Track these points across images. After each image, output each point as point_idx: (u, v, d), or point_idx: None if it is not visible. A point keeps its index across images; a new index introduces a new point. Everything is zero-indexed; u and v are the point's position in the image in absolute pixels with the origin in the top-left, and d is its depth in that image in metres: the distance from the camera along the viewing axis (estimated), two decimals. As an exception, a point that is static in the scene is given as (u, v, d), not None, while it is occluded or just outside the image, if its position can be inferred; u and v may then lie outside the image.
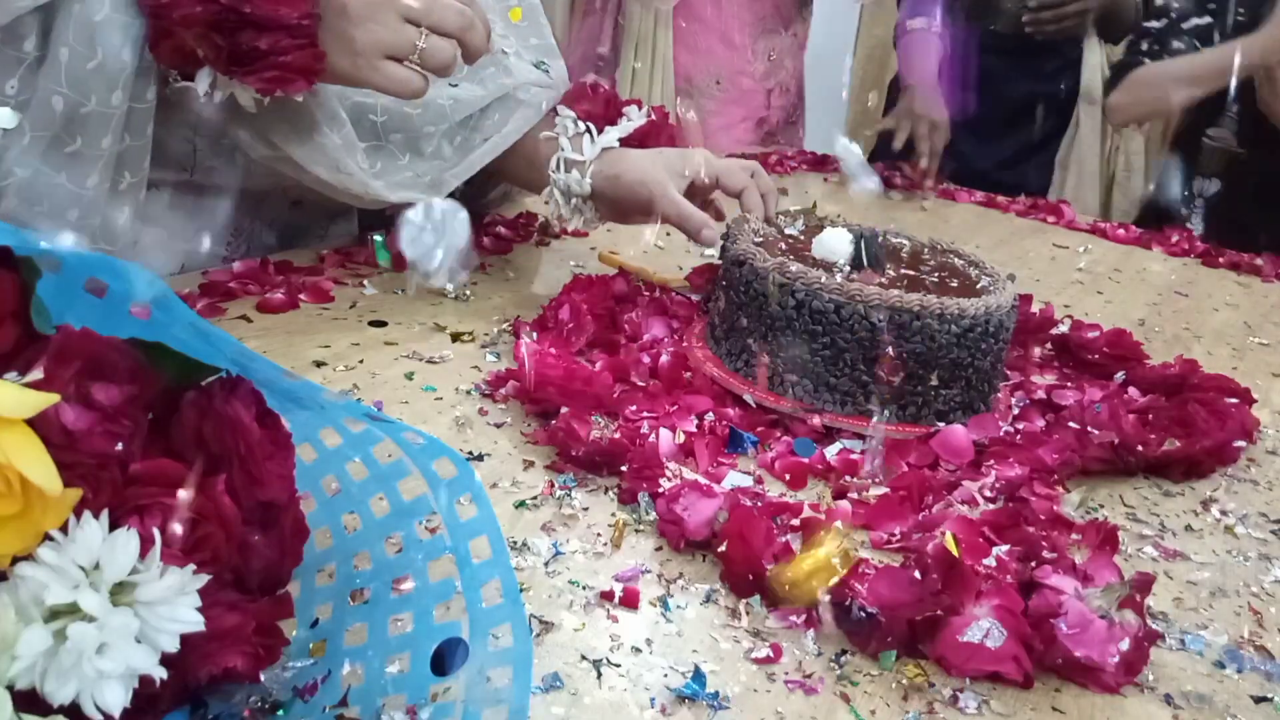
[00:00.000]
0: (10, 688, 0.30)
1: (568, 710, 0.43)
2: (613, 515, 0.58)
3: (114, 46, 0.65)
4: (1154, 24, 1.70)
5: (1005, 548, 0.56)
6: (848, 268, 0.74)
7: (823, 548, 0.50)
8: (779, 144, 1.84)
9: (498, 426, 0.67)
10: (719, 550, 0.54)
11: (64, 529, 0.31)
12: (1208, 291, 1.20)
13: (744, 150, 1.69)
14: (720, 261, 0.82)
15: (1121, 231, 1.43)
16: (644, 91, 1.69)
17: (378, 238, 0.94)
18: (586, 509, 0.59)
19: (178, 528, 0.34)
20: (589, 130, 0.88)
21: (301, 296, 0.84)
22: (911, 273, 0.75)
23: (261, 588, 0.39)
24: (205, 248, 0.89)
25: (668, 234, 1.18)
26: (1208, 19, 1.65)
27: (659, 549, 0.56)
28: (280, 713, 0.40)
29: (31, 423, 0.31)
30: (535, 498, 0.59)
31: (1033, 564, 0.53)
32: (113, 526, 0.32)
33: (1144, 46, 1.71)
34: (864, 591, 0.50)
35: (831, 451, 0.67)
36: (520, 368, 0.69)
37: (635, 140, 0.90)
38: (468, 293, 0.91)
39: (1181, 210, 1.68)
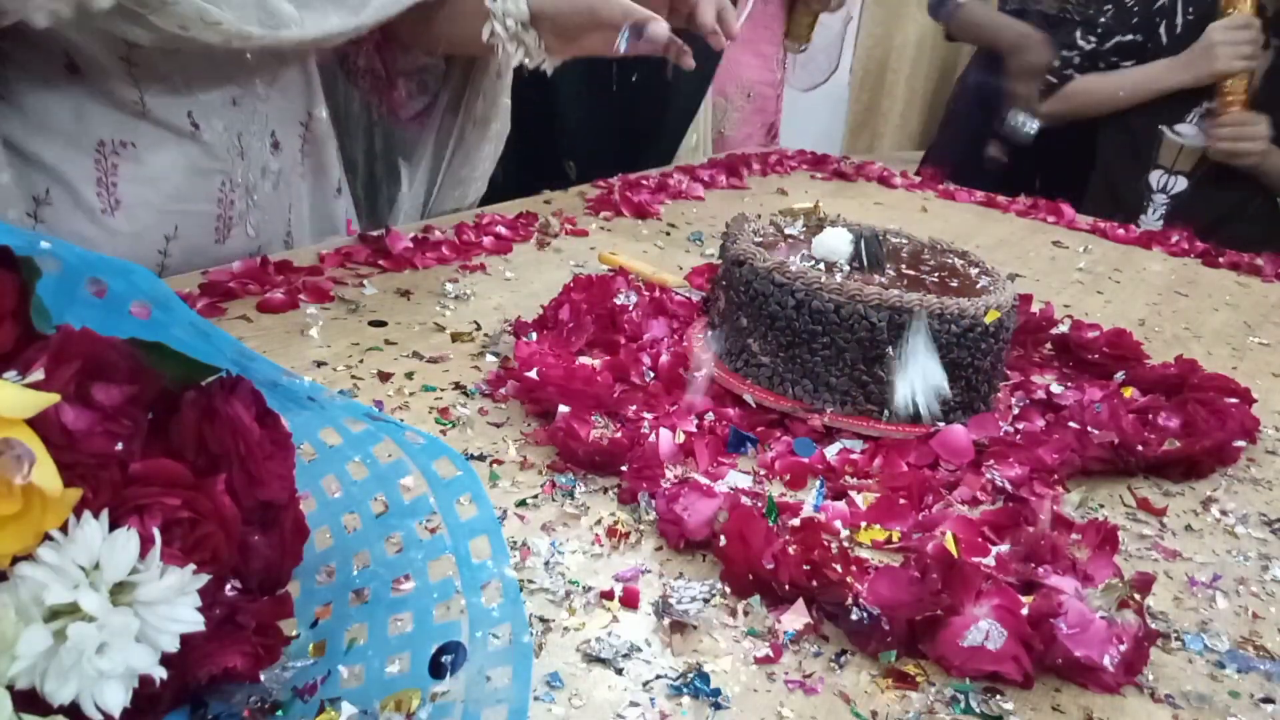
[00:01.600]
0: (10, 687, 0.30)
1: (568, 710, 0.43)
2: (613, 515, 0.58)
3: None
4: (1084, 44, 1.73)
5: (1005, 547, 0.56)
6: (847, 267, 0.74)
7: None
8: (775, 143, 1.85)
9: (497, 426, 0.67)
10: (719, 549, 0.54)
11: (64, 529, 0.31)
12: (1207, 291, 1.20)
13: (744, 150, 1.69)
14: (720, 261, 0.82)
15: (1121, 231, 1.43)
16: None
17: None
18: (587, 509, 0.59)
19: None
20: None
21: (301, 296, 0.84)
22: (911, 273, 0.75)
23: (261, 587, 0.39)
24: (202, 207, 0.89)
25: (667, 233, 1.18)
26: (1137, 36, 1.68)
27: (659, 549, 0.56)
28: (280, 713, 0.40)
29: (31, 423, 0.31)
30: (535, 497, 0.59)
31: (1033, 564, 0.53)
32: (113, 526, 0.32)
33: (1075, 62, 1.75)
34: (864, 591, 0.50)
35: (831, 451, 0.67)
36: (520, 367, 0.69)
37: None
38: (468, 292, 0.91)
39: (1144, 202, 1.69)
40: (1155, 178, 1.68)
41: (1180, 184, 1.65)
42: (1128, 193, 1.71)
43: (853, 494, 0.62)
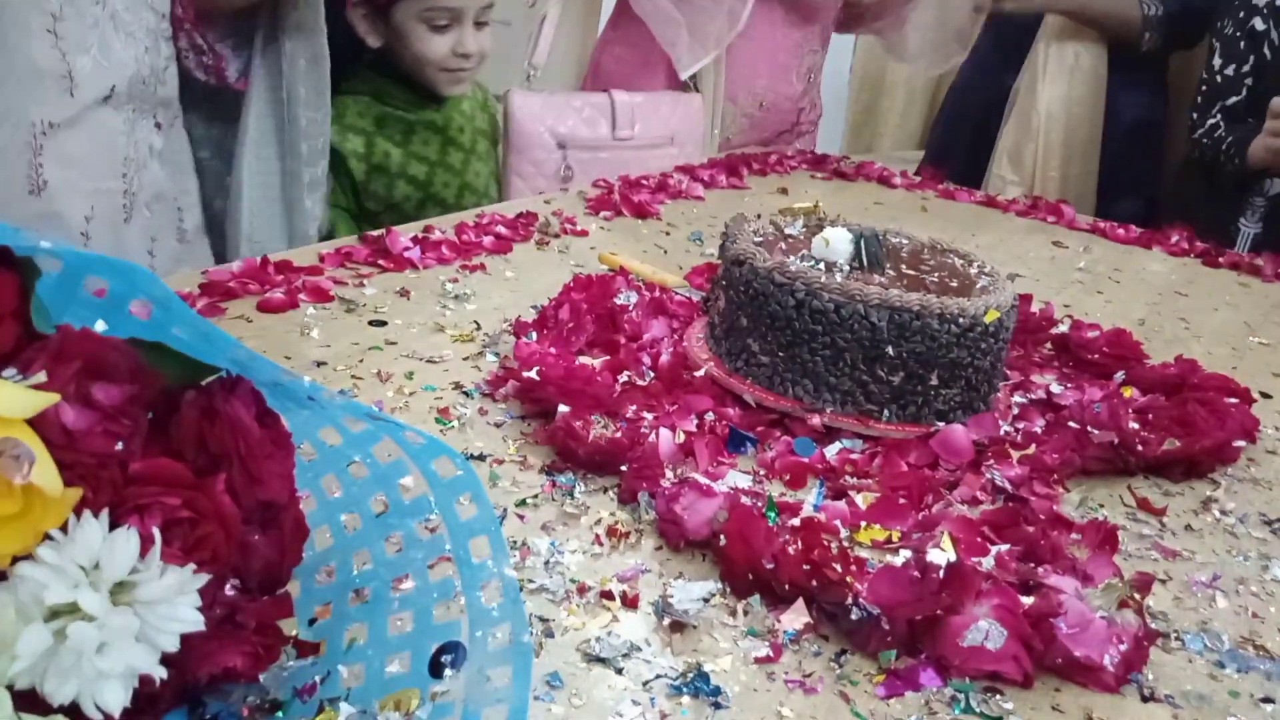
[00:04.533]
0: (10, 687, 0.30)
1: (567, 710, 0.43)
2: (613, 515, 0.58)
3: None
4: None
5: (1005, 547, 0.56)
6: (847, 268, 0.74)
7: None
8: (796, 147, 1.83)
9: (497, 426, 0.67)
10: (719, 549, 0.54)
11: (64, 528, 0.31)
12: (1207, 291, 1.20)
13: (744, 150, 1.69)
14: (720, 261, 0.82)
15: (1121, 231, 1.43)
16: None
17: None
18: (586, 509, 0.59)
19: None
20: None
21: (301, 296, 0.84)
22: (911, 272, 0.75)
23: (261, 587, 0.39)
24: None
25: (667, 233, 1.18)
26: None
27: (659, 548, 0.56)
28: (279, 713, 0.40)
29: (32, 422, 0.31)
30: (535, 497, 0.59)
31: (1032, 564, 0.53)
32: (113, 526, 0.32)
33: None
34: (864, 591, 0.50)
35: (831, 451, 0.67)
36: (519, 367, 0.69)
37: None
38: (468, 292, 0.91)
39: (1244, 204, 1.54)
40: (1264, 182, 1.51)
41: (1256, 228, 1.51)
42: (1227, 195, 1.55)
43: (852, 494, 0.62)
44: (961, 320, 0.67)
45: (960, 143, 1.88)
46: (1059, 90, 1.70)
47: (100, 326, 0.35)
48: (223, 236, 1.14)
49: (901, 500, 0.61)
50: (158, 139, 0.99)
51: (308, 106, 1.10)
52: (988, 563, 0.55)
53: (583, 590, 0.51)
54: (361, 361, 0.75)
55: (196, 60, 1.07)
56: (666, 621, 0.49)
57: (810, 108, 1.82)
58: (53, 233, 0.84)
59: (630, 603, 0.51)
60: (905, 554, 0.55)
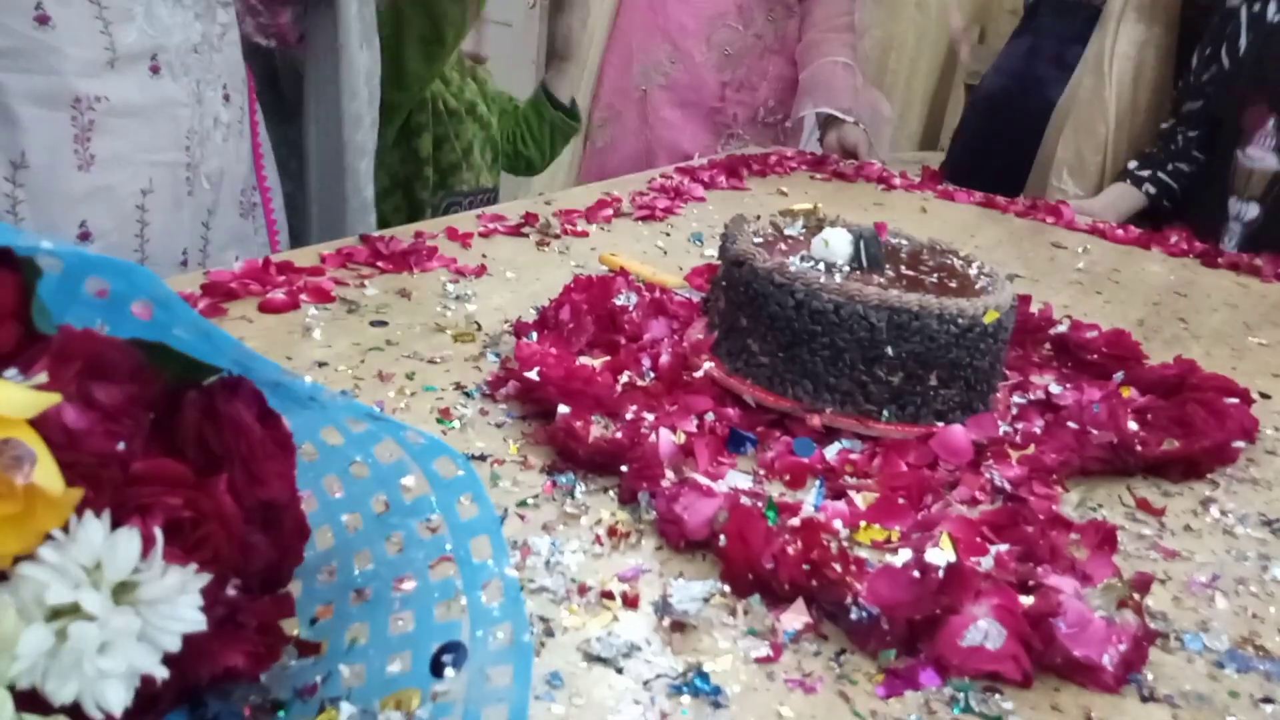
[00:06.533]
0: (11, 687, 0.30)
1: (568, 710, 0.43)
2: (613, 515, 0.59)
3: None
4: None
5: (1004, 547, 0.56)
6: (847, 268, 0.74)
7: None
8: (781, 143, 1.84)
9: (498, 426, 0.68)
10: (719, 549, 0.54)
11: (65, 528, 0.31)
12: (1207, 292, 1.20)
13: (740, 153, 1.69)
14: (720, 262, 0.82)
15: (1120, 232, 1.43)
16: (586, 52, 1.76)
17: None
18: (587, 509, 0.59)
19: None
20: None
21: (303, 297, 0.84)
22: (911, 273, 0.75)
23: (263, 587, 0.39)
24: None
25: (667, 234, 1.18)
26: None
27: (659, 548, 0.56)
28: (281, 713, 0.40)
29: (33, 422, 0.31)
30: (536, 497, 0.59)
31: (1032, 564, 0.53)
32: (114, 526, 0.32)
33: None
34: (863, 591, 0.50)
35: (831, 451, 0.67)
36: (520, 367, 0.69)
37: None
38: (468, 292, 0.91)
39: (1221, 229, 1.52)
40: (1231, 205, 1.51)
41: (1253, 210, 1.49)
42: (1206, 222, 1.54)
43: (852, 494, 0.62)
44: (961, 321, 0.67)
45: (992, 154, 1.86)
46: (1125, 98, 1.68)
47: (102, 327, 0.35)
48: (296, 210, 1.14)
49: (901, 500, 0.61)
50: (224, 111, 0.97)
51: (363, 50, 1.08)
52: (987, 563, 0.55)
53: (583, 590, 0.51)
54: (362, 362, 0.75)
55: (255, 24, 1.06)
56: (666, 621, 0.50)
57: (741, 87, 1.81)
58: (102, 207, 0.87)
59: (630, 602, 0.51)
60: (905, 554, 0.55)
